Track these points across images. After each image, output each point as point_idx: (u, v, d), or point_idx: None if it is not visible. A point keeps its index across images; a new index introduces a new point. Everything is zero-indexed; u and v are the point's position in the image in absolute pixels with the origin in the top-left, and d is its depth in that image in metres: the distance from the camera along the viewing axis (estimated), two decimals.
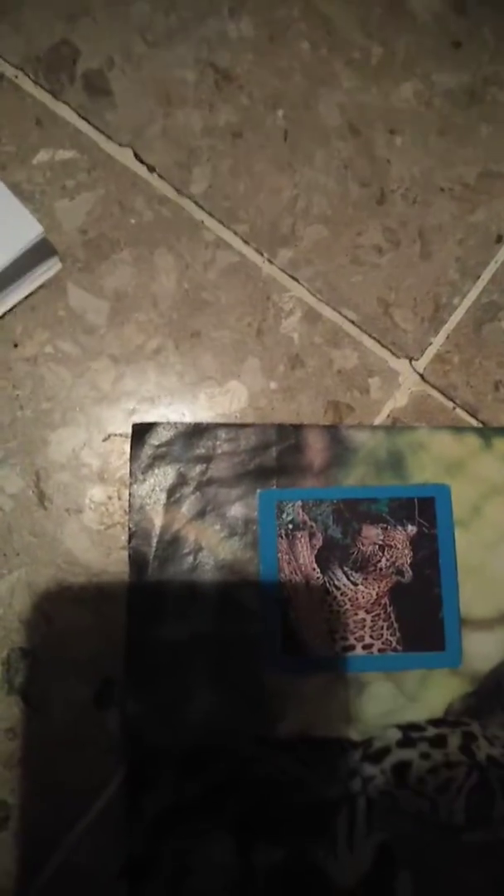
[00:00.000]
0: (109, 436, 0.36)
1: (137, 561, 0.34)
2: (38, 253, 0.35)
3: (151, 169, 0.38)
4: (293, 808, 0.32)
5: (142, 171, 0.38)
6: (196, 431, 0.36)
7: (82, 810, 0.32)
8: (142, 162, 0.38)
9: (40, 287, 0.36)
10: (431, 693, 0.34)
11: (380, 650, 0.34)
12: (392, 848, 0.32)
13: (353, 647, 0.34)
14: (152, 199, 0.38)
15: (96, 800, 0.32)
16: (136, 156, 0.38)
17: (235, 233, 0.38)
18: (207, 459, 0.35)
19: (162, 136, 0.39)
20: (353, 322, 0.38)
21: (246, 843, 0.32)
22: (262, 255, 0.38)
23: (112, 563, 0.34)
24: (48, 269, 0.36)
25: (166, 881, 0.31)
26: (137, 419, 0.36)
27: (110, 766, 0.32)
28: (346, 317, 0.38)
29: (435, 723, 0.34)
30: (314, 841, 0.32)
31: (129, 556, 0.34)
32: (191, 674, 0.33)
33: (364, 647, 0.34)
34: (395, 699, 0.34)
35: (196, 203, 0.38)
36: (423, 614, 0.35)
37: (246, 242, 0.38)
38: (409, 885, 0.32)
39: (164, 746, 0.32)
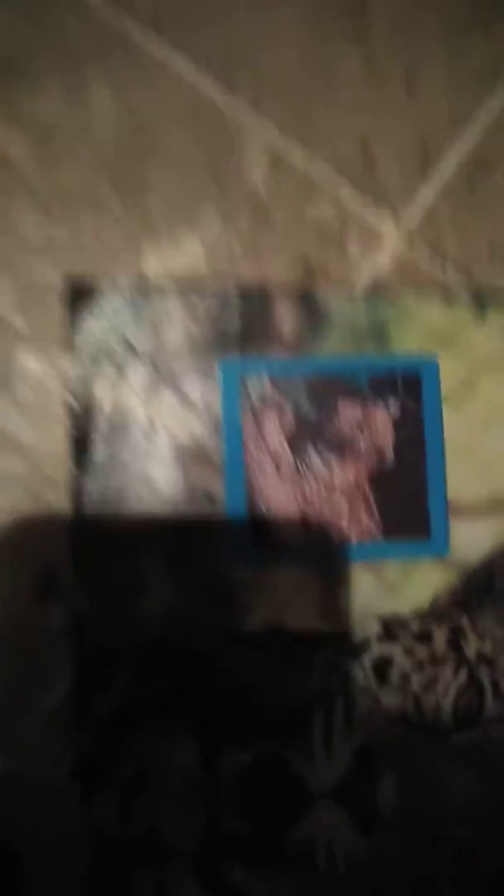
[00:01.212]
0: (41, 296, 0.30)
1: (80, 441, 0.30)
2: None
3: None
4: (263, 708, 0.29)
5: None
6: (144, 293, 0.31)
7: (29, 712, 0.29)
8: None
9: None
10: (415, 585, 0.31)
11: (358, 538, 0.30)
12: (373, 751, 0.29)
13: (329, 536, 0.30)
14: (86, 15, 0.32)
15: (42, 701, 0.29)
16: None
17: (188, 58, 0.32)
18: (158, 326, 0.30)
19: None
20: (328, 168, 0.32)
21: (211, 745, 0.29)
22: (220, 86, 0.32)
23: (51, 443, 0.30)
24: None
25: (122, 783, 0.29)
26: (74, 277, 0.30)
27: (57, 665, 0.29)
28: (320, 161, 0.32)
29: (419, 616, 0.30)
30: (287, 744, 0.29)
31: (71, 435, 0.29)
32: (145, 563, 0.29)
33: (341, 536, 0.30)
34: (376, 592, 0.30)
35: (140, 23, 0.32)
36: (407, 500, 0.31)
37: (201, 71, 0.32)
38: (392, 789, 0.30)
39: (117, 643, 0.29)
